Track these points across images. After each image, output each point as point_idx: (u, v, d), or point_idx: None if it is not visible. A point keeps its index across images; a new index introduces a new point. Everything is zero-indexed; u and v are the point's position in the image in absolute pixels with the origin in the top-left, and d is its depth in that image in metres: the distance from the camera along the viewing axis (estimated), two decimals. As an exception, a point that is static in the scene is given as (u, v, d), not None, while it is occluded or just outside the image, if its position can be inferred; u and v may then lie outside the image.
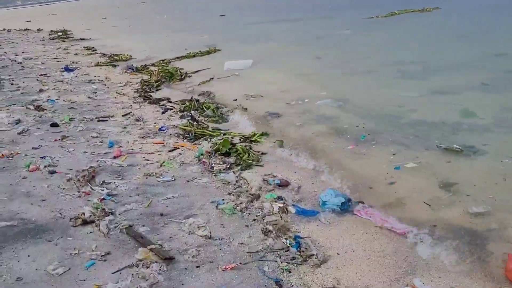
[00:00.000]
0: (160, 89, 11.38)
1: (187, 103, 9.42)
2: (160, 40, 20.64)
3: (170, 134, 7.73)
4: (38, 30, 28.25)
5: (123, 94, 10.93)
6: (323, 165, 6.00)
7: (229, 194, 5.35)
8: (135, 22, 28.96)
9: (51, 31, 26.71)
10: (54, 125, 8.24)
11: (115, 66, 15.01)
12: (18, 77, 13.03)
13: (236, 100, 9.53)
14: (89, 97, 10.62)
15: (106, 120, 8.67)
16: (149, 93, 10.87)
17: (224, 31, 21.88)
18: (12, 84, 12.04)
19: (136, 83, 12.10)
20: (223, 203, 5.08)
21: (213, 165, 6.25)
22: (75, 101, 10.19)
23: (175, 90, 11.14)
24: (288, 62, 13.15)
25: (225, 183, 5.66)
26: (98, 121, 8.61)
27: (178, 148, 7.00)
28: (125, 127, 8.21)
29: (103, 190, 5.41)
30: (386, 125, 7.28)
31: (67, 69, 14.29)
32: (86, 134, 7.78)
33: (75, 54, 18.14)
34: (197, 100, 9.60)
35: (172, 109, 9.35)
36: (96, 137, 7.62)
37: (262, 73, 11.93)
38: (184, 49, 16.99)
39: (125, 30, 25.95)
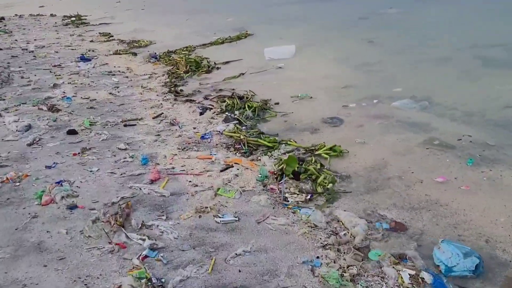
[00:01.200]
0: (186, 83, 9.65)
1: (228, 101, 7.72)
2: (181, 24, 18.87)
3: (217, 145, 6.11)
4: (51, 15, 26.60)
5: (150, 89, 9.30)
6: (428, 202, 4.33)
7: (324, 247, 3.72)
8: (150, 4, 27.01)
9: (64, 16, 25.05)
10: (72, 132, 6.68)
11: (135, 54, 13.36)
12: (29, 69, 11.49)
13: (277, 103, 7.78)
14: (110, 93, 9.01)
15: (135, 125, 7.07)
16: (180, 88, 9.18)
17: (251, 12, 20.00)
18: (22, 77, 10.51)
19: (163, 75, 10.46)
20: (321, 265, 3.43)
21: (286, 194, 4.59)
22: (95, 99, 8.61)
23: (203, 84, 9.40)
24: (336, 48, 11.35)
25: (311, 227, 4.00)
26: (125, 125, 7.02)
27: (232, 166, 5.34)
28: (158, 134, 6.60)
29: (143, 240, 3.80)
30: (501, 135, 5.51)
31: (83, 58, 12.69)
32: (112, 145, 6.19)
33: (91, 41, 16.49)
34: (241, 97, 7.89)
35: (211, 108, 7.66)
36: (125, 149, 6.03)
37: (311, 64, 10.18)
38: (208, 33, 15.31)
39: (141, 14, 24.17)
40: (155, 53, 12.73)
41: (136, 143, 6.29)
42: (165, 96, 8.67)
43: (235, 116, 7.11)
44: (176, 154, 5.84)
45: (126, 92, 9.14)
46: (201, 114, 7.49)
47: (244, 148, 5.88)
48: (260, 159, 5.55)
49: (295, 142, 5.95)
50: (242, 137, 6.15)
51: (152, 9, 24.77)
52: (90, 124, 7.04)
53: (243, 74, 9.86)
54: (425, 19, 13.86)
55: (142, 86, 9.55)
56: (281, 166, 5.12)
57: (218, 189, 4.82)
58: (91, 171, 5.36)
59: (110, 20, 22.24)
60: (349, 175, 4.99)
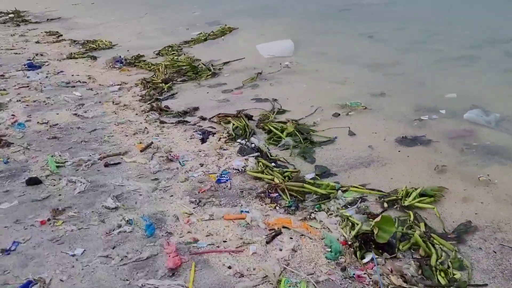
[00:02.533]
0: (174, 95, 7.87)
1: (234, 122, 6.02)
2: (140, 19, 16.77)
3: (242, 192, 4.44)
4: (-16, 12, 23.51)
5: (125, 105, 7.47)
6: None
7: None
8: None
9: (0, 12, 22.07)
10: (34, 181, 4.82)
11: (95, 58, 11.31)
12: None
13: (299, 118, 6.26)
14: (75, 113, 7.10)
15: (119, 163, 5.23)
16: (160, 100, 7.45)
17: (217, 4, 18.10)
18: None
19: (137, 85, 8.55)
20: None
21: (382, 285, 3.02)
22: (57, 124, 6.70)
23: (202, 94, 7.67)
24: (336, 45, 9.94)
25: None
26: (106, 165, 5.14)
27: (281, 233, 3.70)
28: (156, 178, 4.84)
29: None
30: None
31: (32, 65, 10.54)
32: (95, 200, 4.41)
33: (37, 42, 14.13)
34: (249, 117, 6.21)
35: (213, 132, 5.94)
36: (115, 208, 4.22)
37: (317, 64, 8.63)
38: (179, 30, 13.48)
39: (91, 8, 21.70)
40: (120, 56, 10.75)
41: (128, 196, 4.50)
42: (147, 116, 6.82)
43: (254, 145, 5.41)
44: (192, 214, 4.09)
45: (95, 111, 7.24)
46: (202, 141, 5.72)
47: (286, 198, 4.22)
48: (314, 217, 3.92)
49: (360, 187, 4.33)
50: (277, 179, 4.47)
51: (103, 2, 22.27)
52: (57, 167, 5.11)
53: (260, 73, 8.27)
54: (416, 11, 12.65)
55: (114, 102, 7.67)
56: (358, 231, 3.51)
57: (280, 281, 3.14)
58: (73, 256, 3.55)
59: (56, 15, 19.65)
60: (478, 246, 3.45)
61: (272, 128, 5.76)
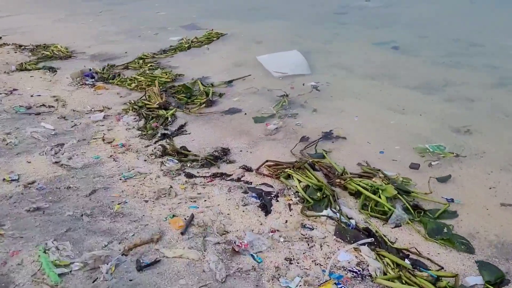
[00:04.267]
0: (184, 127, 6.14)
1: (299, 177, 4.33)
2: (97, 19, 14.41)
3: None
4: None
5: (123, 146, 5.42)
6: None
7: None
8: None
9: None
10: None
11: (54, 70, 9.01)
12: None
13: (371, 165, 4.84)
14: (57, 162, 4.98)
15: (158, 260, 3.32)
16: (171, 137, 5.57)
17: (186, 2, 16.05)
18: None
19: (126, 111, 6.59)
20: None
21: None
22: (34, 181, 4.56)
23: (218, 124, 5.90)
24: (356, 56, 8.61)
25: None
26: (140, 269, 3.22)
27: None
28: (229, 293, 2.98)
29: None
30: None
31: (-28, 82, 8.08)
32: None
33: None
34: (313, 166, 4.52)
35: (275, 194, 4.19)
36: None
37: (353, 84, 7.23)
38: (149, 34, 11.55)
39: (29, 3, 18.80)
40: (90, 69, 8.57)
41: None
42: (163, 163, 4.90)
43: (352, 221, 3.72)
44: None
45: (83, 155, 5.22)
46: (266, 211, 3.94)
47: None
48: None
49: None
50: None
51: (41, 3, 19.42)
52: (59, 274, 3.13)
53: (286, 96, 6.48)
54: (420, 13, 11.46)
55: (104, 139, 5.62)
56: None
57: None
58: None
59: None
60: None
61: (361, 189, 4.05)
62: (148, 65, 8.76)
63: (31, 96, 7.53)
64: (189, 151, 5.24)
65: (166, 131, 5.88)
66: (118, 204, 4.18)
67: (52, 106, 7.01)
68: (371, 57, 8.30)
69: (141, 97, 7.12)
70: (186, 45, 10.02)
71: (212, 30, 10.75)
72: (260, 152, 5.12)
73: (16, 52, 10.82)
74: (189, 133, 5.86)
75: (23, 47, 11.22)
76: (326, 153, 4.91)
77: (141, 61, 9.07)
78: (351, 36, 9.79)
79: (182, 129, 5.99)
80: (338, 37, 9.82)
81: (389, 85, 6.86)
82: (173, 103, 6.89)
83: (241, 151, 5.20)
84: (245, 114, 6.29)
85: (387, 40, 9.11)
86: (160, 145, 5.42)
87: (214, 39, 10.36)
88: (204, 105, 6.73)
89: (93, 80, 8.24)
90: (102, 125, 6.20)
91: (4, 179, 4.63)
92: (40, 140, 5.69)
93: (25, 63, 9.51)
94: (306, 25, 11.15)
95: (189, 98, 6.96)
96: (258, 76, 7.67)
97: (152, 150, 5.32)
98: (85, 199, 4.27)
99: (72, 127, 6.16)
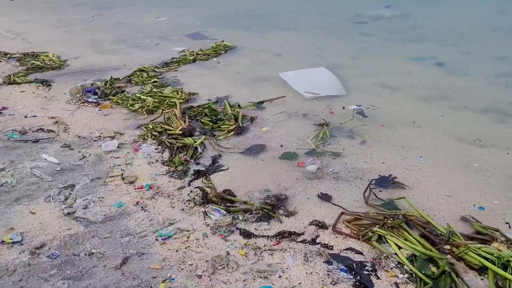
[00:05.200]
0: (218, 160, 4.98)
1: (396, 240, 3.29)
2: (90, 25, 13.21)
3: None
4: None
5: (150, 188, 4.36)
6: None
7: None
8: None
9: None
10: None
11: (48, 84, 7.84)
12: None
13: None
14: (70, 213, 3.82)
15: None
16: (207, 176, 4.54)
17: (185, 7, 14.95)
18: None
19: (143, 138, 5.48)
20: None
21: None
22: (43, 245, 3.44)
23: (259, 163, 4.85)
24: (396, 74, 7.60)
25: None
26: None
27: None
28: None
29: None
30: None
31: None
32: None
33: None
34: (407, 222, 3.50)
35: (372, 268, 3.15)
36: None
37: (404, 108, 6.23)
38: (148, 43, 10.40)
39: (12, 7, 17.42)
40: (92, 84, 7.39)
41: None
42: (207, 215, 3.83)
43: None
44: None
45: (101, 203, 4.13)
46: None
47: None
48: None
49: None
50: None
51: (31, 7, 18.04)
52: None
53: (327, 125, 5.45)
54: (450, 26, 10.65)
55: (124, 178, 4.51)
56: None
57: None
58: None
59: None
60: None
61: (488, 264, 3.04)
62: (152, 80, 7.63)
63: (25, 117, 6.35)
64: (235, 196, 4.15)
65: (199, 166, 4.76)
66: (163, 282, 3.07)
67: (52, 131, 5.85)
68: (415, 75, 7.38)
69: (154, 120, 5.99)
70: (191, 58, 8.89)
71: (223, 41, 9.66)
72: (318, 196, 4.07)
73: (1, 62, 9.54)
74: (226, 169, 4.76)
75: (9, 55, 9.97)
76: (404, 202, 3.89)
77: (144, 75, 7.90)
78: (381, 50, 8.86)
79: (216, 163, 4.88)
80: (366, 50, 8.87)
81: (450, 109, 5.92)
82: (197, 128, 5.78)
83: (296, 194, 4.14)
84: (281, 146, 5.23)
85: (425, 55, 8.23)
86: (197, 187, 4.30)
87: (222, 52, 9.26)
88: (233, 132, 5.61)
89: (96, 97, 7.06)
90: (117, 157, 5.07)
91: (3, 241, 3.47)
92: (44, 179, 4.54)
93: (14, 75, 8.29)
94: (324, 37, 10.20)
95: (215, 122, 5.85)
96: (287, 96, 6.63)
97: (189, 195, 4.23)
98: (115, 273, 3.16)
99: (80, 159, 5.01)
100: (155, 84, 7.47)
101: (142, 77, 7.93)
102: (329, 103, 6.39)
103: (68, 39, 11.32)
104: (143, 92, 7.03)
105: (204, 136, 5.46)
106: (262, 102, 6.40)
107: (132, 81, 7.81)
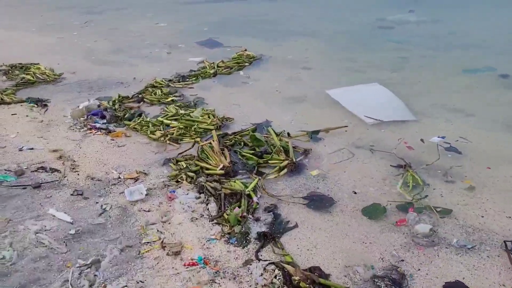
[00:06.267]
0: (275, 211, 3.80)
1: None
2: (83, 31, 11.90)
3: None
4: None
5: (211, 269, 3.16)
6: None
7: None
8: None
9: None
10: None
11: (44, 104, 6.57)
12: None
13: None
14: None
15: None
16: (276, 239, 3.45)
17: (183, 11, 13.71)
18: None
19: (176, 181, 4.30)
20: None
21: None
22: None
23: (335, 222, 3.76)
24: (464, 93, 6.61)
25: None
26: None
27: None
28: None
29: None
30: None
31: None
32: None
33: None
34: None
35: None
36: None
37: (497, 140, 4.98)
38: (156, 53, 9.13)
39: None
40: (99, 105, 6.16)
41: None
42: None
43: None
44: None
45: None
46: None
47: None
48: None
49: None
50: None
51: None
52: None
53: (409, 166, 4.31)
54: (485, 30, 9.59)
55: (164, 246, 3.27)
56: None
57: None
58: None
59: None
60: None
61: None
62: (169, 99, 6.42)
63: (20, 150, 5.07)
64: (328, 278, 2.95)
65: (259, 224, 3.56)
66: None
67: (57, 170, 4.59)
68: (479, 91, 6.29)
69: (183, 153, 4.77)
70: (211, 71, 7.67)
71: (245, 50, 8.48)
72: (441, 275, 2.91)
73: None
74: (295, 226, 3.57)
75: (-11, 68, 8.60)
76: None
77: (158, 91, 6.68)
78: (425, 61, 7.83)
79: (279, 219, 3.69)
80: (407, 61, 7.83)
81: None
82: (238, 164, 4.59)
83: (415, 272, 2.98)
84: (354, 193, 4.06)
85: (478, 66, 7.24)
86: (271, 263, 3.09)
87: (247, 64, 8.07)
88: (285, 170, 4.43)
89: (105, 122, 5.80)
90: (148, 210, 3.84)
91: None
92: (55, 249, 3.28)
93: (1, 93, 6.93)
94: (350, 44, 9.14)
95: (260, 156, 4.66)
96: (339, 118, 5.48)
97: (262, 274, 3.01)
98: None
99: (100, 215, 3.77)
100: (178, 104, 6.22)
101: (155, 94, 6.67)
102: (398, 132, 5.22)
103: (61, 48, 10.02)
104: (167, 115, 5.76)
105: (258, 178, 4.23)
106: (317, 132, 5.20)
107: (145, 100, 6.54)
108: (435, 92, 6.36)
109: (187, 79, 7.53)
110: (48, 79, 7.84)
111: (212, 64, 8.03)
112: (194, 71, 7.93)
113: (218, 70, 7.79)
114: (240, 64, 8.06)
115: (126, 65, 8.50)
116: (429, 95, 6.28)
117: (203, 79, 7.59)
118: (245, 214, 3.71)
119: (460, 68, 7.24)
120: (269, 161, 4.69)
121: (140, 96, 6.72)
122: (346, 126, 5.31)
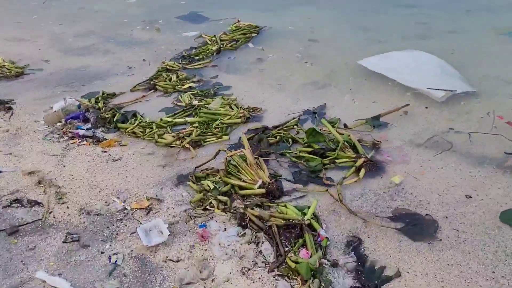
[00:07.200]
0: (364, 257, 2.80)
1: None
2: (41, 13, 10.41)
3: None
4: None
5: None
6: None
7: None
8: None
9: None
10: None
11: (8, 107, 5.23)
12: None
13: None
14: None
15: None
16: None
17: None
18: None
19: (203, 206, 3.08)
20: None
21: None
22: None
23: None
24: (508, 60, 5.37)
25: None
26: None
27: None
28: None
29: None
30: None
31: None
32: None
33: None
34: None
35: None
36: None
37: None
38: (123, 31, 8.08)
39: None
40: (79, 106, 4.86)
41: None
42: None
43: None
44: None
45: None
46: None
47: None
48: None
49: None
50: None
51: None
52: None
53: None
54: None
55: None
56: None
57: None
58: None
59: None
60: None
61: None
62: (187, 84, 5.20)
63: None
64: None
65: (342, 274, 2.48)
66: None
67: (37, 203, 3.38)
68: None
69: (202, 166, 3.62)
70: (214, 48, 6.44)
71: (238, 21, 7.29)
72: None
73: None
74: (396, 275, 2.53)
75: None
76: None
77: (173, 77, 5.46)
78: (452, 25, 6.81)
79: (367, 261, 2.62)
80: (429, 28, 6.86)
81: None
82: (290, 170, 3.49)
83: None
84: (470, 197, 3.03)
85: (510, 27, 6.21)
86: None
87: (254, 34, 6.86)
88: (363, 171, 3.37)
89: (91, 128, 4.54)
90: (177, 260, 2.68)
91: None
92: None
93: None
94: (358, 12, 8.08)
95: (323, 155, 3.55)
96: (396, 99, 4.42)
97: None
98: None
99: (110, 274, 2.61)
100: (194, 92, 5.02)
101: (170, 80, 5.43)
102: (471, 106, 4.20)
103: (21, 35, 8.48)
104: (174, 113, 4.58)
105: (315, 200, 3.12)
106: (378, 117, 4.10)
107: (158, 87, 5.30)
108: (479, 62, 5.37)
109: (188, 58, 6.33)
110: (8, 74, 6.44)
111: (213, 38, 6.76)
112: (195, 48, 6.68)
113: (222, 45, 6.53)
114: (247, 36, 6.80)
115: (107, 52, 7.16)
116: (474, 66, 5.28)
117: (207, 57, 6.37)
118: (327, 260, 2.61)
119: (496, 31, 6.25)
120: (336, 161, 3.57)
121: (150, 83, 5.45)
122: (408, 105, 4.24)
